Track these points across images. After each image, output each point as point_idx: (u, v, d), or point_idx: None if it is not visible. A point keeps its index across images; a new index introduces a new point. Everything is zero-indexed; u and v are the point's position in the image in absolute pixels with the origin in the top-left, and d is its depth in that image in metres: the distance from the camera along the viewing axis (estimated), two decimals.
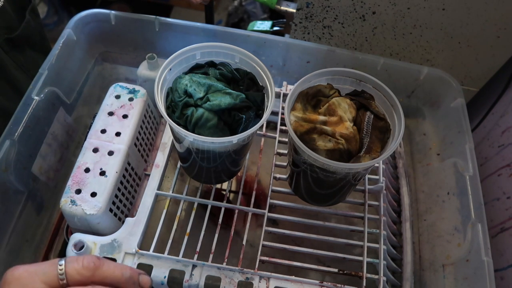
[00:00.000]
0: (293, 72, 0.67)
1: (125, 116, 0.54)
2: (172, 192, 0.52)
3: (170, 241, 0.48)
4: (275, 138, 0.57)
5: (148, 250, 0.47)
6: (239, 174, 0.56)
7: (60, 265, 0.33)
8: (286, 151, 0.56)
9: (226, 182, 0.58)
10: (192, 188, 0.56)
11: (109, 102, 0.55)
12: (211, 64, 0.47)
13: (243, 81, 0.45)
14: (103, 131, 0.52)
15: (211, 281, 0.46)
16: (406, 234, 0.57)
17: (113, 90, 0.56)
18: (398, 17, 0.66)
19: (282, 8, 0.79)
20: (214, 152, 0.44)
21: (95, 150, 0.50)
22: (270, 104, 0.42)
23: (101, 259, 0.35)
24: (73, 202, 0.46)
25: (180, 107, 0.42)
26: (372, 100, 0.46)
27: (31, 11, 0.67)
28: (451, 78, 0.61)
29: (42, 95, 0.54)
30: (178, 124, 0.42)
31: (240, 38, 0.63)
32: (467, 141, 0.55)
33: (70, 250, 0.45)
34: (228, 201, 0.53)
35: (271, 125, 0.65)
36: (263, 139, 0.58)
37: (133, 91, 0.56)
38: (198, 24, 0.63)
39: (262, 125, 0.57)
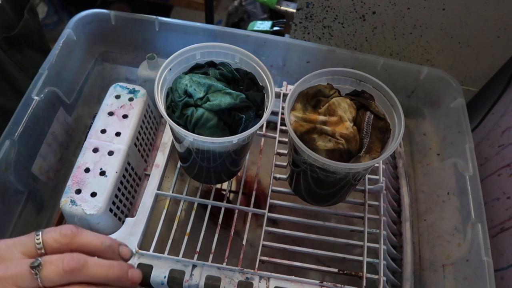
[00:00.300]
0: (293, 72, 0.67)
1: (125, 116, 0.54)
2: (172, 192, 0.52)
3: (170, 241, 0.48)
4: (275, 138, 0.57)
5: (148, 250, 0.47)
6: (239, 174, 0.56)
7: (37, 235, 0.33)
8: (286, 151, 0.56)
9: (226, 182, 0.58)
10: (192, 188, 0.56)
11: (109, 102, 0.55)
12: (211, 64, 0.47)
13: (243, 81, 0.45)
14: (103, 131, 0.52)
15: (211, 281, 0.46)
16: (406, 234, 0.57)
17: (113, 90, 0.56)
18: (398, 17, 0.66)
19: (282, 8, 0.79)
20: (214, 152, 0.44)
21: (95, 150, 0.50)
22: (270, 104, 0.42)
23: (80, 228, 0.34)
24: (73, 202, 0.46)
25: (180, 107, 0.42)
26: (372, 100, 0.46)
27: (29, 10, 0.67)
28: (451, 78, 0.61)
29: (42, 95, 0.54)
30: (178, 124, 0.42)
31: (240, 38, 0.63)
32: (467, 141, 0.55)
33: None
34: (228, 201, 0.53)
35: (271, 125, 0.65)
36: (263, 139, 0.58)
37: (133, 91, 0.56)
38: (198, 24, 0.63)
39: (262, 125, 0.57)
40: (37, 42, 0.69)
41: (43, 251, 0.32)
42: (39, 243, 0.32)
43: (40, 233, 0.33)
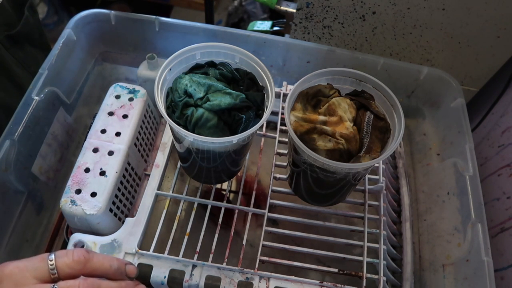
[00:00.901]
0: (293, 72, 0.67)
1: (125, 116, 0.54)
2: (172, 192, 0.52)
3: (170, 241, 0.48)
4: (275, 138, 0.57)
5: (148, 250, 0.47)
6: (239, 174, 0.56)
7: (50, 260, 0.34)
8: (286, 151, 0.56)
9: (226, 182, 0.58)
10: (192, 188, 0.56)
11: (109, 102, 0.55)
12: (211, 64, 0.47)
13: (243, 81, 0.45)
14: (103, 131, 0.52)
15: (211, 281, 0.46)
16: (406, 234, 0.57)
17: (113, 90, 0.56)
18: (398, 17, 0.66)
19: (282, 8, 0.79)
20: (214, 152, 0.44)
21: (95, 150, 0.50)
22: (270, 104, 0.42)
23: (90, 252, 0.36)
24: (73, 202, 0.46)
25: (180, 107, 0.42)
26: (372, 100, 0.46)
27: (29, 8, 0.67)
28: (451, 78, 0.61)
29: (42, 95, 0.54)
30: (178, 124, 0.41)
31: (240, 38, 0.63)
32: (467, 141, 0.55)
33: None
34: (228, 201, 0.53)
35: (271, 125, 0.65)
36: (263, 139, 0.58)
37: (133, 91, 0.56)
38: (198, 24, 0.63)
39: (262, 125, 0.57)
40: (37, 39, 0.69)
41: (56, 275, 0.34)
42: (52, 268, 0.34)
43: (53, 257, 0.34)
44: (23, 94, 0.53)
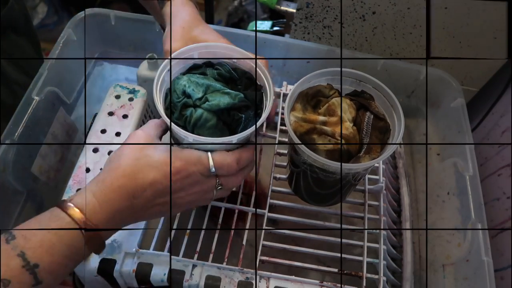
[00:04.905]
0: (293, 72, 0.67)
1: (125, 116, 0.54)
2: None
3: (170, 241, 0.48)
4: (275, 138, 0.57)
5: (148, 250, 0.47)
6: None
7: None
8: (286, 151, 0.56)
9: None
10: None
11: (109, 102, 0.55)
12: (209, 64, 0.47)
13: (241, 81, 0.45)
14: (103, 131, 0.52)
15: (211, 281, 0.46)
16: (406, 234, 0.57)
17: (113, 90, 0.56)
18: (398, 17, 0.66)
19: (282, 8, 0.79)
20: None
21: (95, 150, 0.50)
22: (269, 103, 0.42)
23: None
24: None
25: (178, 108, 0.42)
26: (372, 100, 0.46)
27: None
28: (451, 78, 0.61)
29: (42, 95, 0.54)
30: (177, 125, 0.41)
31: (240, 38, 0.63)
32: (467, 141, 0.55)
33: None
34: (228, 201, 0.53)
35: (271, 125, 0.65)
36: (263, 139, 0.58)
37: (133, 91, 0.56)
38: None
39: (262, 124, 0.57)
40: (22, 26, 0.66)
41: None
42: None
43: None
44: (5, 82, 0.51)
